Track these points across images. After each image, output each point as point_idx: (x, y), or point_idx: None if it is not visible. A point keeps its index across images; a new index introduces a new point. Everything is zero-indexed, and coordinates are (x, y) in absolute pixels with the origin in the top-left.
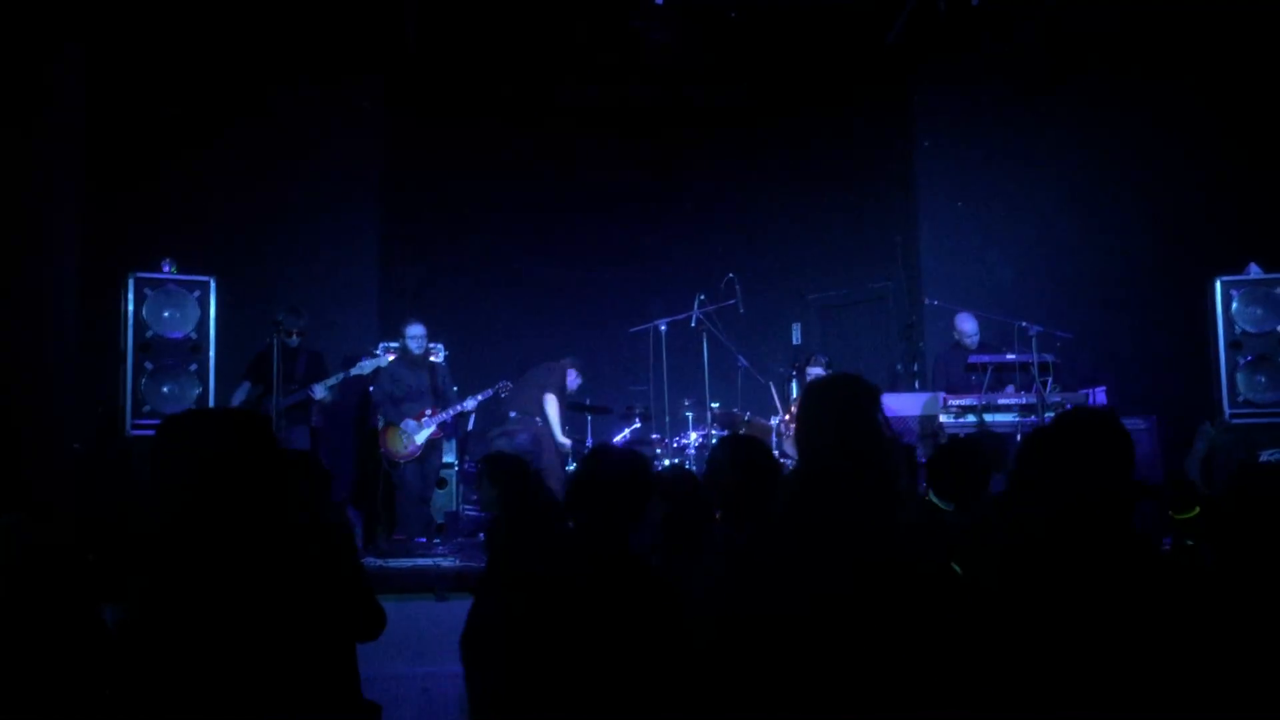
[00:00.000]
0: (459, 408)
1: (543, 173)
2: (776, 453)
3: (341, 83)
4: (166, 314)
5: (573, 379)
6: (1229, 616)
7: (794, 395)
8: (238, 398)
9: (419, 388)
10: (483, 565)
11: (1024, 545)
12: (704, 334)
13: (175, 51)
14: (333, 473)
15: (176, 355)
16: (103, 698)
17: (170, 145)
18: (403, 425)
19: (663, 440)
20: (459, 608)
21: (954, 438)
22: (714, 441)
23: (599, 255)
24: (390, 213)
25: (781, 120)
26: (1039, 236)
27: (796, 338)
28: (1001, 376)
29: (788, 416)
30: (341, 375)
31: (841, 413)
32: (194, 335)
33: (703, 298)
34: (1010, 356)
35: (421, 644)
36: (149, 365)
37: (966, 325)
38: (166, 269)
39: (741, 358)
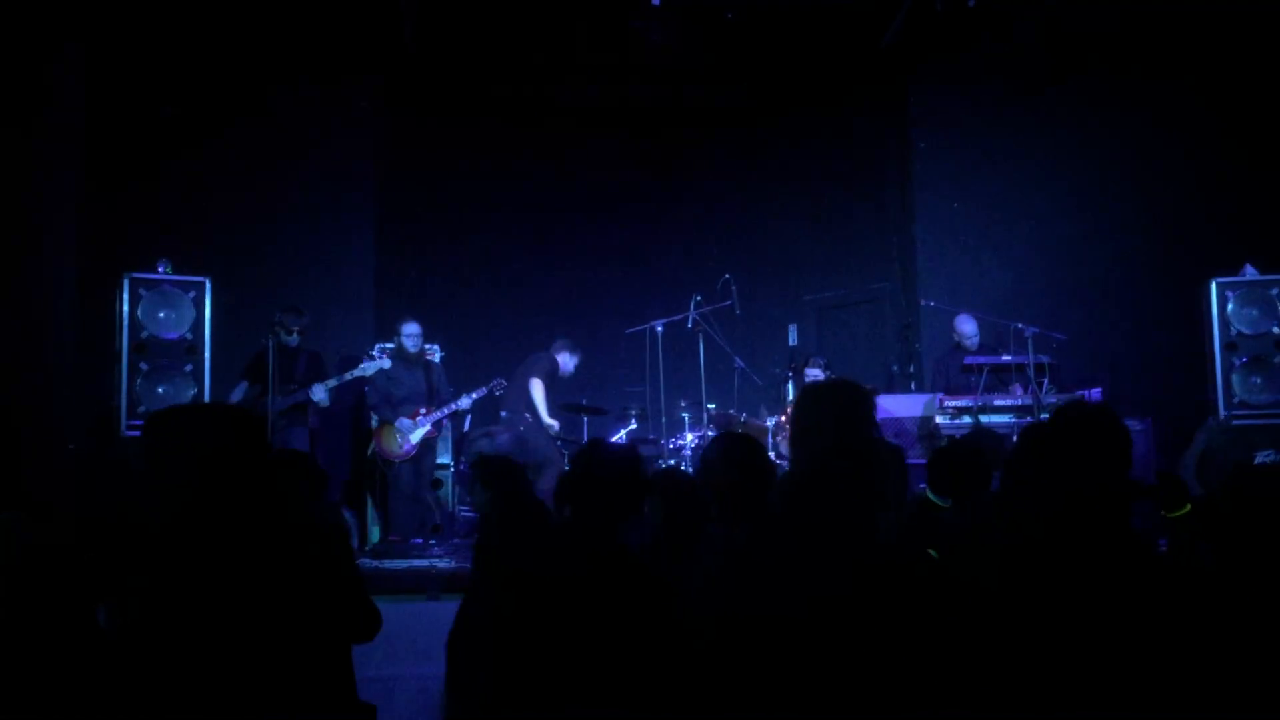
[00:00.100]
0: (453, 406)
1: (539, 173)
2: (772, 454)
3: (339, 83)
4: (162, 315)
5: (567, 361)
6: (1225, 616)
7: (790, 396)
8: (235, 397)
9: (414, 387)
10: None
11: (1022, 544)
12: (700, 335)
13: (172, 52)
14: (329, 473)
15: (172, 356)
16: (100, 698)
17: (166, 145)
18: (397, 424)
19: (657, 441)
20: (454, 608)
21: (953, 438)
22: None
23: (595, 255)
24: (387, 213)
25: (779, 121)
26: (1035, 238)
27: (793, 339)
28: (1003, 377)
29: (783, 418)
30: (344, 377)
31: (840, 416)
32: (189, 336)
33: (699, 299)
34: (1006, 358)
35: (417, 645)
36: (144, 366)
37: (966, 327)
38: (162, 269)
39: (738, 359)
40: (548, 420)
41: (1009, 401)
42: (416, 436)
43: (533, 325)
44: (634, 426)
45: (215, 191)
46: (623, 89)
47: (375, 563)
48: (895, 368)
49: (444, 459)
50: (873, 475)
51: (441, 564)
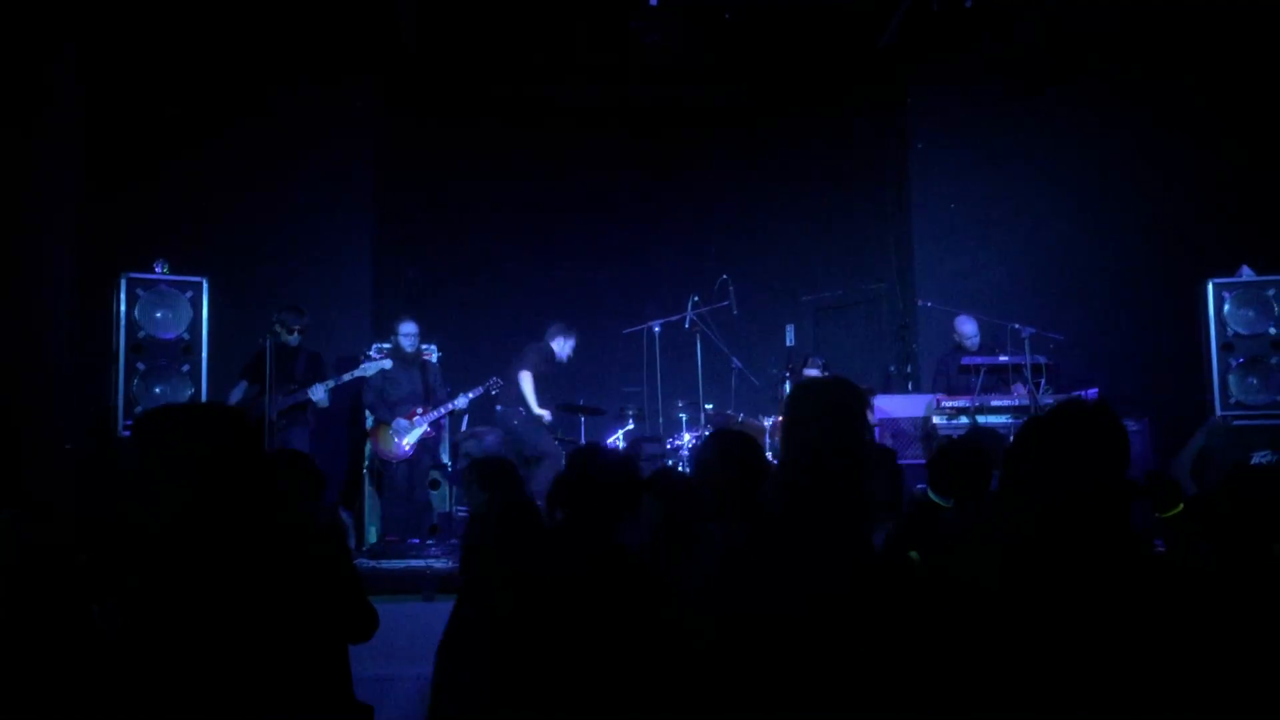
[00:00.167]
0: (450, 406)
1: (538, 173)
2: (770, 454)
3: (339, 83)
4: (159, 315)
5: (562, 346)
6: (1223, 615)
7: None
8: (235, 397)
9: (410, 387)
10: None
11: (1020, 543)
12: (698, 335)
13: (171, 52)
14: (326, 473)
15: (169, 356)
16: (98, 698)
17: (165, 145)
18: (394, 425)
19: (662, 441)
20: (449, 609)
21: (951, 438)
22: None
23: (593, 255)
24: (386, 213)
25: (777, 122)
26: (1032, 238)
27: (790, 339)
28: (1002, 378)
29: (781, 417)
30: (343, 377)
31: (831, 413)
32: (186, 336)
33: (696, 299)
34: (1003, 358)
35: (414, 645)
36: (141, 366)
37: (967, 328)
38: (159, 269)
39: (735, 359)
40: (538, 411)
41: (1006, 402)
42: (413, 437)
43: (531, 325)
44: (631, 427)
45: (213, 191)
46: (622, 89)
47: (373, 563)
48: (892, 368)
49: (443, 458)
50: (864, 473)
51: (438, 564)
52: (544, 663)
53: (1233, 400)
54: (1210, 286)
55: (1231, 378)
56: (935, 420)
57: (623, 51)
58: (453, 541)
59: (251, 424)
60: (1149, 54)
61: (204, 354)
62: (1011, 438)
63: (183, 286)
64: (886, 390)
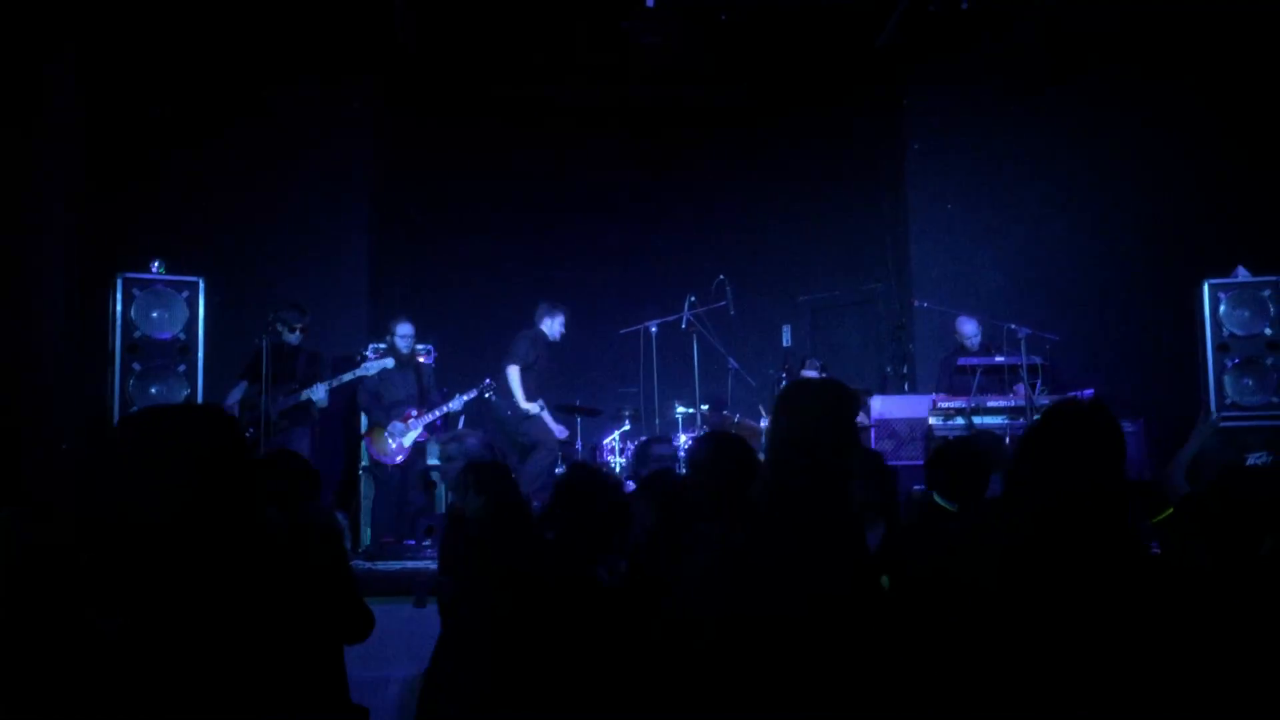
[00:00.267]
0: (446, 408)
1: (536, 173)
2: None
3: (338, 83)
4: (155, 314)
5: (551, 325)
6: (1218, 614)
7: None
8: (235, 397)
9: (406, 388)
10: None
11: (1018, 544)
12: (695, 336)
13: (168, 52)
14: (322, 474)
15: (165, 356)
16: (96, 698)
17: (161, 145)
18: (390, 428)
19: (670, 441)
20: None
21: (946, 439)
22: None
23: (590, 256)
24: (384, 213)
25: (773, 122)
26: (1028, 239)
27: (787, 339)
28: (1002, 379)
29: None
30: (344, 377)
31: (825, 416)
32: (182, 336)
33: (693, 299)
34: (999, 359)
35: (410, 646)
36: (137, 366)
37: (967, 328)
38: (155, 269)
39: (732, 359)
40: (524, 406)
41: (1002, 403)
42: (409, 440)
43: (526, 324)
44: (628, 427)
45: (211, 191)
46: (616, 90)
47: (368, 564)
48: (889, 368)
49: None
50: (851, 472)
51: (434, 566)
52: (541, 659)
53: (1228, 401)
54: (1206, 287)
55: (1227, 378)
56: (932, 421)
57: (621, 52)
58: None
59: (243, 424)
60: (1146, 55)
61: (200, 354)
62: (1008, 438)
63: (179, 286)
64: (883, 390)
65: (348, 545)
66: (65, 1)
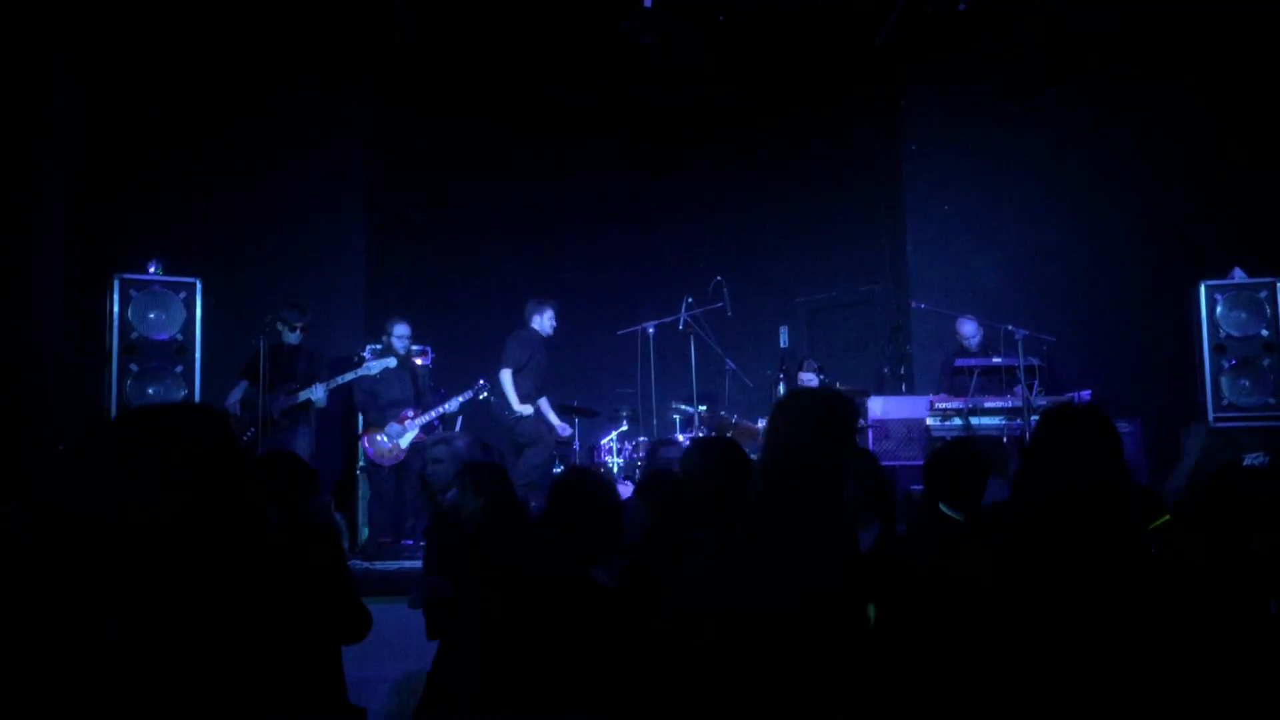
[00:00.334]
0: (442, 409)
1: (534, 173)
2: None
3: (338, 83)
4: (152, 315)
5: (542, 321)
6: (1217, 613)
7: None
8: (234, 397)
9: (402, 389)
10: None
11: (1017, 544)
12: (692, 336)
13: (166, 52)
14: (320, 474)
15: (162, 357)
16: (96, 698)
17: (159, 145)
18: (387, 430)
19: (679, 443)
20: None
21: (944, 439)
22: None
23: (587, 257)
24: (383, 213)
25: (770, 123)
26: (1025, 240)
27: (784, 340)
28: (1003, 380)
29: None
30: (350, 375)
31: (824, 429)
32: (179, 337)
33: (690, 300)
34: (996, 360)
35: (408, 646)
36: (134, 367)
37: (966, 328)
38: (153, 269)
39: (729, 360)
40: (517, 408)
41: (999, 403)
42: (405, 441)
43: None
44: (625, 428)
45: (209, 191)
46: (612, 90)
47: (366, 564)
48: (886, 369)
49: None
50: (845, 476)
51: None
52: (540, 662)
53: (1225, 402)
54: (1203, 288)
55: (1223, 379)
56: (929, 422)
57: (619, 52)
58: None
59: (244, 424)
60: (1143, 55)
61: (197, 355)
62: (1005, 438)
63: (176, 287)
64: (880, 391)
65: (345, 545)
66: (65, 1)
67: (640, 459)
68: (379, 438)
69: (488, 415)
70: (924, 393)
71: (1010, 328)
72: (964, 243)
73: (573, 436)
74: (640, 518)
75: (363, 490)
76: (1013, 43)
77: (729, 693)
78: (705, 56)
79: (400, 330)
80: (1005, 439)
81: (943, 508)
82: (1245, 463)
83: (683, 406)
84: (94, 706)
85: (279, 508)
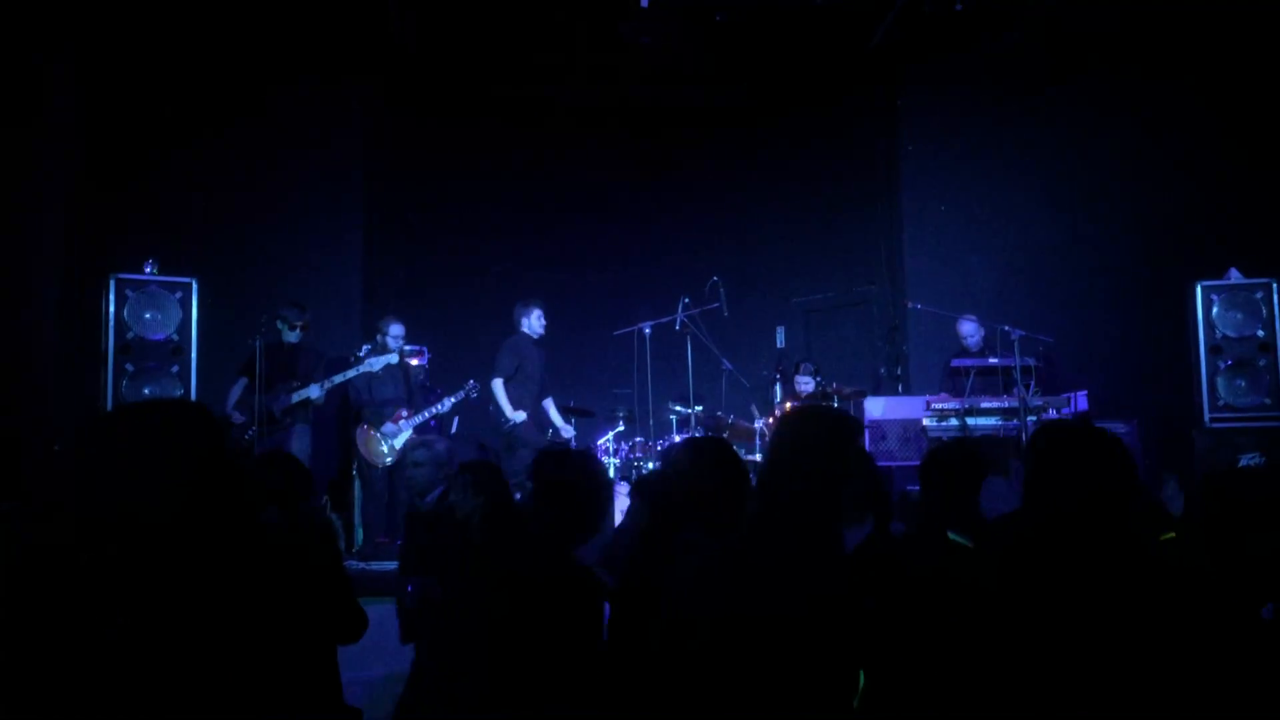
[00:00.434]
0: (436, 409)
1: (531, 173)
2: (759, 456)
3: (337, 83)
4: (148, 315)
5: (530, 324)
6: (1218, 613)
7: (778, 399)
8: (234, 395)
9: (395, 388)
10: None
11: (1019, 549)
12: (688, 337)
13: (165, 52)
14: (316, 474)
15: (158, 357)
16: (95, 699)
17: (157, 145)
18: (382, 430)
19: (646, 443)
20: None
21: (941, 439)
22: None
23: (584, 257)
24: (381, 213)
25: (768, 123)
26: (1022, 240)
27: (781, 341)
28: (1000, 380)
29: (771, 420)
30: (350, 373)
31: (827, 448)
32: (175, 337)
33: (687, 301)
34: (993, 360)
35: (404, 646)
36: (130, 367)
37: (965, 328)
38: (149, 269)
39: (725, 361)
40: (510, 416)
41: (996, 404)
42: (399, 441)
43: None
44: (621, 428)
45: (206, 191)
46: (610, 91)
47: (362, 564)
48: (883, 370)
49: None
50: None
51: None
52: (539, 663)
53: (1221, 402)
54: (1199, 289)
55: (1219, 380)
56: (926, 422)
57: (617, 52)
58: None
59: (244, 423)
60: (1142, 55)
61: (193, 355)
62: (1000, 436)
63: (172, 287)
64: (877, 392)
65: (341, 545)
66: (65, 1)
67: (637, 459)
68: (374, 438)
69: (483, 415)
70: (921, 393)
71: (1007, 328)
72: (961, 243)
73: (574, 437)
74: (638, 517)
75: (359, 491)
76: (1011, 43)
77: (726, 692)
78: (703, 57)
79: (395, 330)
80: (1001, 434)
81: (953, 537)
82: (1241, 463)
83: (679, 407)
84: (93, 706)
85: (280, 507)
